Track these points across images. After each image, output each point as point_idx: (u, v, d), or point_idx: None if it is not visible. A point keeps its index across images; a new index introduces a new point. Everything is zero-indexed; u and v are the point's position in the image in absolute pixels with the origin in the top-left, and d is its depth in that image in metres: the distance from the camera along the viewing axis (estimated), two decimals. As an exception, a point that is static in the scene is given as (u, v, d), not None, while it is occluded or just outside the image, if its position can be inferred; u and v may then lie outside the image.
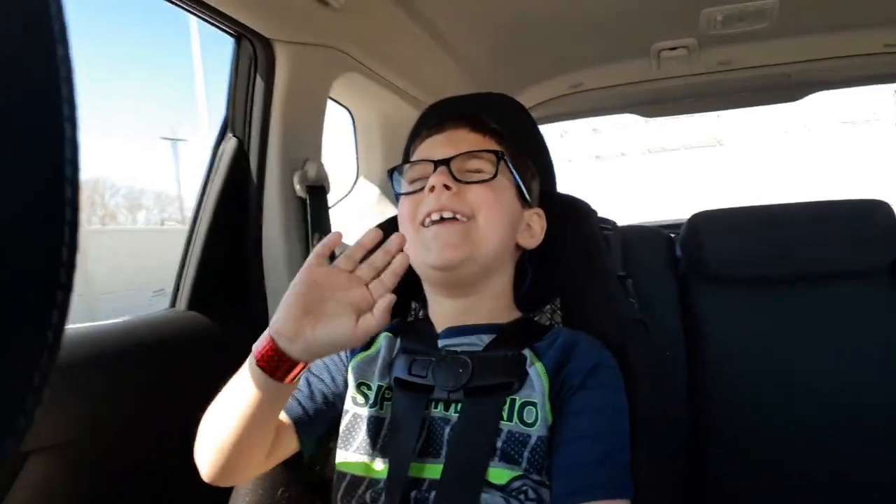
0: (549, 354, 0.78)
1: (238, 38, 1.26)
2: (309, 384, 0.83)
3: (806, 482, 1.25)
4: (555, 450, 0.73)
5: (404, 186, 0.88)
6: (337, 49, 1.38)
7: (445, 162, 0.83)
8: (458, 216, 0.80)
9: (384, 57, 1.56)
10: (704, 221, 1.37)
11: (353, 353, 0.86)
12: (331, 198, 1.35)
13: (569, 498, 0.70)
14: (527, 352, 0.79)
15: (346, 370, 0.84)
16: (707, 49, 1.92)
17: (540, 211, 0.91)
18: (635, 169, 15.88)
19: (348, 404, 0.82)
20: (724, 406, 1.30)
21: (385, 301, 0.66)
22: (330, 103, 1.45)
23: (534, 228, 0.90)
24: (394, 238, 0.69)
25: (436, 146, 0.87)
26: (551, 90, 2.22)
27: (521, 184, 0.88)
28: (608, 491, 0.70)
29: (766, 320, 1.31)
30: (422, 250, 0.82)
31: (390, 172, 0.91)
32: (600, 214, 1.03)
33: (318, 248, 0.68)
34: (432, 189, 0.81)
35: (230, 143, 1.26)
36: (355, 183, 1.86)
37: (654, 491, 0.78)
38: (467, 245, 0.80)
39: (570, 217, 0.98)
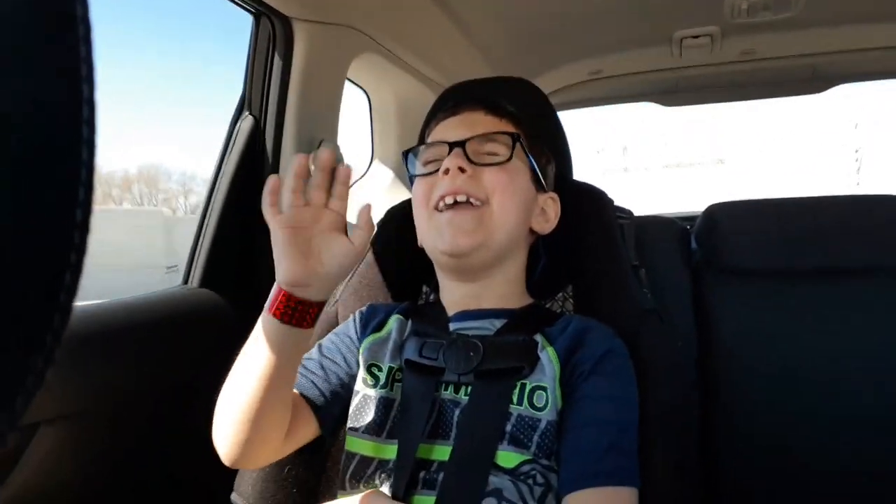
0: (561, 339, 0.78)
1: (257, 16, 1.25)
2: (323, 367, 0.83)
3: (817, 477, 1.25)
4: (563, 434, 0.73)
5: (419, 168, 0.88)
6: (356, 29, 1.38)
7: (461, 144, 0.82)
8: (472, 200, 0.80)
9: (403, 38, 1.55)
10: (721, 213, 1.35)
11: (365, 334, 0.86)
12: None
13: (575, 484, 0.70)
14: (538, 337, 0.79)
15: (358, 351, 0.84)
16: (730, 38, 1.89)
17: (555, 196, 0.91)
18: (656, 179, 18.42)
19: (359, 385, 0.82)
20: (734, 399, 1.29)
21: (364, 212, 0.68)
22: (347, 84, 1.44)
23: (548, 213, 0.89)
24: (318, 153, 0.67)
25: (451, 128, 0.86)
26: (570, 76, 2.20)
27: (536, 167, 0.87)
28: (614, 479, 0.70)
29: (781, 314, 1.30)
30: (435, 235, 0.82)
31: (405, 154, 0.90)
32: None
33: (266, 198, 0.67)
34: (447, 172, 0.80)
35: (247, 122, 1.26)
36: (370, 165, 1.86)
37: (667, 483, 0.78)
38: (480, 231, 0.80)
39: (587, 205, 0.97)
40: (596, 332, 0.79)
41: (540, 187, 0.89)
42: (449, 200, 0.80)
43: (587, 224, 0.95)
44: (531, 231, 0.89)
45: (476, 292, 0.84)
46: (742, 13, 1.73)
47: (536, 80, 2.02)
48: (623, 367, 0.78)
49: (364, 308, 0.90)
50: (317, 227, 0.66)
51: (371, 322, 0.87)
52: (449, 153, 0.82)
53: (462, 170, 0.80)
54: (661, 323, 0.91)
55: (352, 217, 0.70)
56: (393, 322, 0.85)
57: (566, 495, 0.70)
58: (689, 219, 1.57)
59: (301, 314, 0.66)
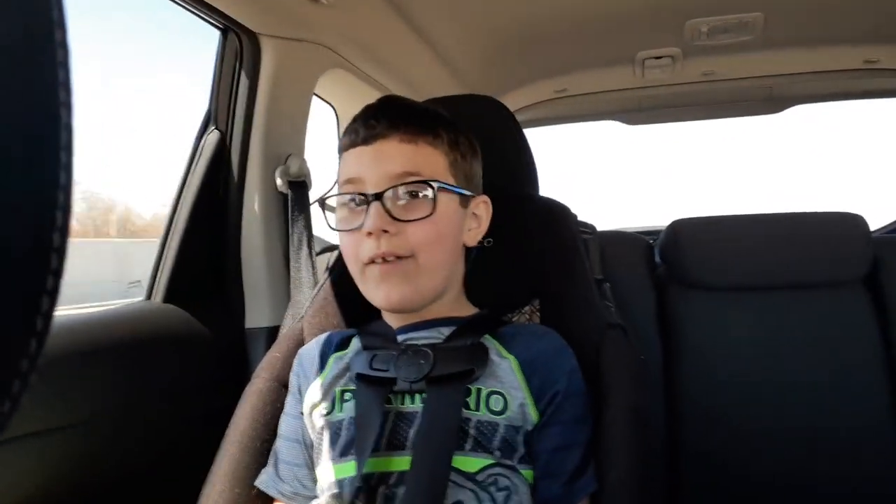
0: (520, 349, 0.80)
1: (224, 31, 1.25)
2: (297, 479, 0.82)
3: (779, 484, 1.27)
4: (536, 454, 0.77)
5: (339, 216, 0.83)
6: (324, 45, 1.38)
7: (379, 197, 0.77)
8: (399, 256, 0.78)
9: (371, 55, 1.56)
10: (684, 228, 1.38)
11: (304, 392, 0.85)
12: (313, 194, 1.35)
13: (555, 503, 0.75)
14: (490, 341, 0.80)
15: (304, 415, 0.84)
16: (691, 59, 1.95)
17: (486, 199, 0.87)
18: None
19: (311, 425, 0.83)
20: (698, 411, 1.31)
21: None
22: (314, 99, 1.44)
23: (479, 217, 0.87)
24: None
25: (364, 161, 0.80)
26: (536, 94, 2.23)
27: (463, 192, 0.83)
28: (583, 493, 0.76)
29: (742, 328, 1.33)
30: (370, 289, 0.81)
31: (321, 203, 0.87)
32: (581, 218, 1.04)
33: None
34: (370, 234, 0.77)
35: (212, 136, 1.25)
36: (336, 181, 1.86)
37: (631, 492, 0.79)
38: (412, 283, 0.79)
39: (550, 220, 0.98)
40: (553, 346, 0.82)
41: (468, 201, 0.85)
42: (378, 260, 0.78)
43: (551, 238, 0.96)
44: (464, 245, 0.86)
45: (419, 315, 0.84)
46: (702, 36, 1.78)
47: (504, 97, 2.06)
48: (583, 384, 0.81)
49: (294, 365, 0.89)
50: None
51: (306, 378, 0.86)
52: (368, 203, 0.78)
53: (387, 230, 0.77)
54: (625, 336, 0.92)
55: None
56: (331, 363, 0.85)
57: None
58: (653, 233, 1.59)
59: None
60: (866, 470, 1.26)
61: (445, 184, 0.80)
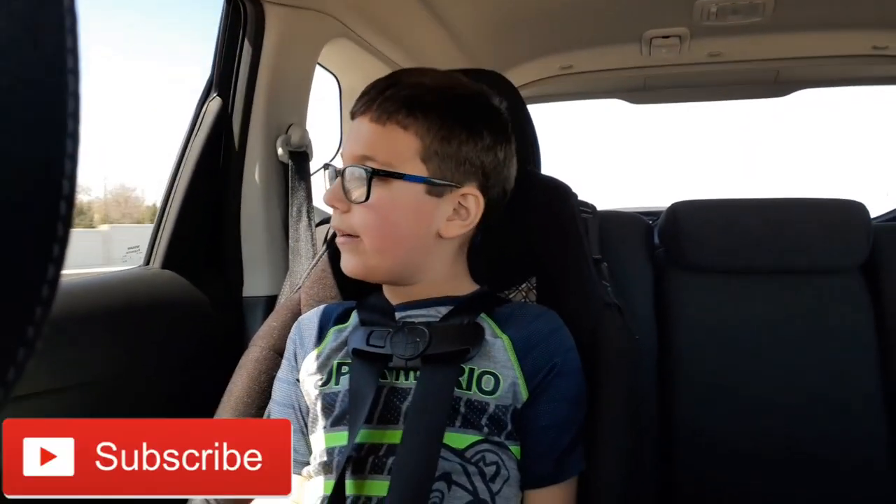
0: (515, 329, 0.80)
1: (228, -1, 1.24)
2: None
3: (771, 465, 1.29)
4: (525, 431, 0.78)
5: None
6: (328, 14, 1.37)
7: (341, 173, 0.80)
8: (348, 235, 0.81)
9: (376, 25, 1.55)
10: (683, 210, 1.38)
11: (300, 360, 0.86)
12: (313, 165, 1.34)
13: (537, 483, 0.77)
14: (485, 320, 0.81)
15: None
16: (698, 39, 1.93)
17: (473, 191, 0.81)
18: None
19: (307, 393, 0.84)
20: (691, 392, 1.32)
21: None
22: (317, 69, 1.43)
23: (468, 208, 0.81)
24: None
25: (348, 139, 0.82)
26: (542, 70, 2.21)
27: (430, 181, 0.78)
28: (571, 473, 0.78)
29: (739, 311, 1.34)
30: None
31: (325, 169, 0.90)
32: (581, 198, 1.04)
33: None
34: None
35: (214, 104, 1.24)
36: (338, 150, 1.85)
37: (621, 471, 0.80)
38: (361, 261, 0.81)
39: (551, 198, 0.98)
40: (549, 326, 0.82)
41: (444, 191, 0.80)
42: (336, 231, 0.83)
43: (550, 217, 0.96)
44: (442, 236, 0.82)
45: (413, 291, 0.84)
46: (711, 16, 1.76)
47: (509, 72, 2.05)
48: (578, 364, 0.81)
49: (293, 332, 0.90)
50: None
51: (303, 348, 0.87)
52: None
53: (337, 206, 0.80)
54: (621, 316, 0.93)
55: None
56: (330, 335, 0.86)
57: (528, 491, 0.77)
58: (653, 214, 1.59)
59: None
60: (858, 450, 1.27)
61: (391, 171, 0.77)
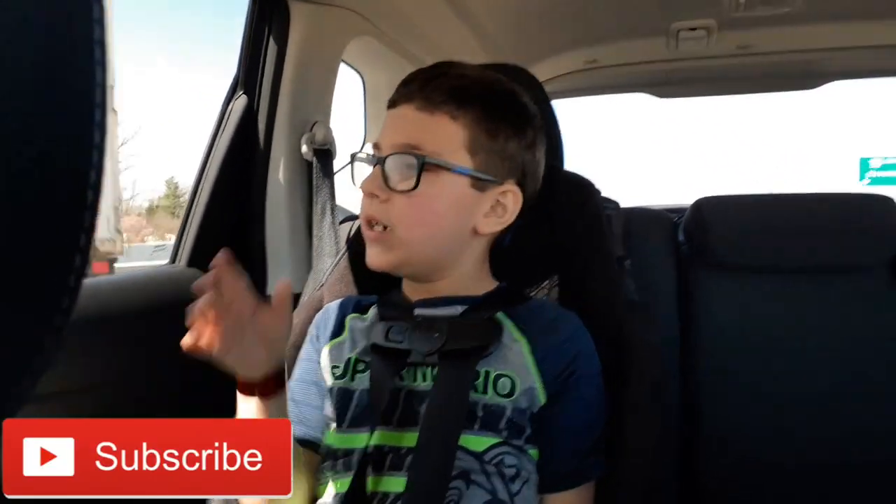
0: (535, 331, 0.79)
1: (253, -4, 1.24)
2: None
3: (794, 464, 1.27)
4: (545, 434, 0.77)
5: (359, 180, 0.83)
6: (353, 11, 1.37)
7: (383, 161, 0.77)
8: (380, 225, 0.78)
9: (401, 22, 1.55)
10: (709, 207, 1.36)
11: (321, 344, 0.86)
12: (337, 163, 1.35)
13: (556, 486, 0.77)
14: (504, 319, 0.80)
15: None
16: (727, 31, 1.89)
17: (514, 189, 0.81)
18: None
19: (323, 378, 0.84)
20: (715, 390, 1.31)
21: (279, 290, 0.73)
22: (341, 66, 1.44)
23: (505, 205, 0.81)
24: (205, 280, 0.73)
25: (387, 126, 0.81)
26: (567, 65, 2.20)
27: (476, 174, 0.78)
28: (590, 477, 0.78)
29: (765, 309, 1.32)
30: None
31: (352, 159, 0.88)
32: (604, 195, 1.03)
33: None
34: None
35: (240, 102, 1.25)
36: (362, 148, 1.86)
37: (644, 470, 0.80)
38: (392, 254, 0.79)
39: (574, 195, 0.98)
40: (568, 329, 0.81)
41: (487, 186, 0.79)
42: (365, 223, 0.80)
43: (573, 214, 0.96)
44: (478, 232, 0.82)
45: (434, 287, 0.83)
46: (740, 7, 1.73)
47: (533, 67, 2.02)
48: (598, 367, 0.81)
49: (318, 316, 0.90)
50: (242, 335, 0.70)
51: (325, 331, 0.87)
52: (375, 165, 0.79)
53: (376, 195, 0.77)
54: (645, 314, 0.92)
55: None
56: (349, 323, 0.86)
57: (546, 494, 0.77)
58: (677, 211, 1.58)
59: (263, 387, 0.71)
60: (883, 449, 1.25)
61: (443, 162, 0.76)
